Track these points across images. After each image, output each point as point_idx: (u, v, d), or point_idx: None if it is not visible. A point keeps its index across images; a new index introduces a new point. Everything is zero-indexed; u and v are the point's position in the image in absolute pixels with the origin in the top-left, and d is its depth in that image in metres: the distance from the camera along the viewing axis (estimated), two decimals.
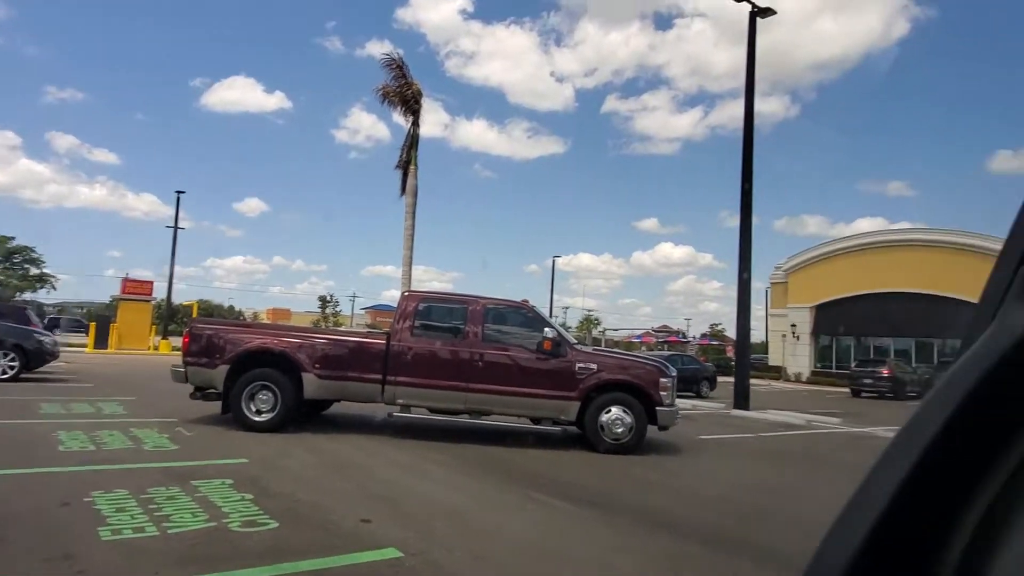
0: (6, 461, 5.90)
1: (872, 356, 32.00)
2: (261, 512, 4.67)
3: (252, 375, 8.33)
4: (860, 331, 36.89)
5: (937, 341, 33.61)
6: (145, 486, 5.17)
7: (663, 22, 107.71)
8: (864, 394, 26.55)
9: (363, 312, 78.28)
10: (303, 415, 8.87)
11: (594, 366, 8.60)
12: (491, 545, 4.43)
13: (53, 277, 48.29)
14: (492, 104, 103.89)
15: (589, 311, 73.69)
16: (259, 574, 3.51)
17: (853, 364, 30.05)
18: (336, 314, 73.56)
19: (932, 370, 27.96)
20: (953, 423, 0.36)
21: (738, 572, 4.38)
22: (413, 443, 8.28)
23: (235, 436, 7.89)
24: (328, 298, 75.51)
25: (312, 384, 8.42)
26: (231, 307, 75.57)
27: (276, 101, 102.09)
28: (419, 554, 4.04)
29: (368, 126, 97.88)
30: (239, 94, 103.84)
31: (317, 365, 8.44)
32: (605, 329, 64.21)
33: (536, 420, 8.87)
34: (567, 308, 69.54)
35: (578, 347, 9.25)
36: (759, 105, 18.06)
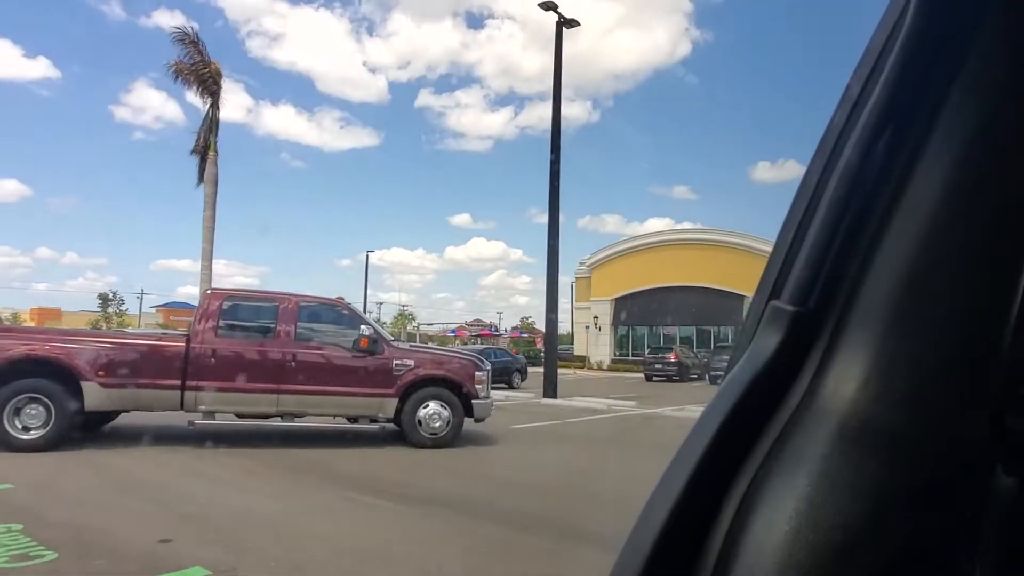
0: None
1: (661, 344, 35.48)
2: (34, 543, 4.12)
3: (17, 386, 7.23)
4: (652, 321, 40.71)
5: (713, 328, 38.12)
6: None
7: (475, 21, 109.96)
8: (655, 378, 29.32)
9: (154, 311, 71.03)
10: (83, 429, 7.88)
11: (411, 362, 8.63)
12: (309, 553, 4.31)
13: None
14: (301, 91, 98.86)
15: (404, 306, 73.38)
16: None
17: (646, 352, 33.09)
18: (121, 313, 65.94)
19: (709, 354, 31.59)
20: (721, 431, 0.47)
21: (560, 553, 4.68)
22: (219, 452, 7.73)
23: None
24: (111, 296, 67.53)
25: (95, 394, 7.51)
26: None
27: (40, 68, 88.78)
28: (230, 571, 3.82)
29: (156, 105, 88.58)
30: None
31: (101, 372, 7.55)
32: (420, 324, 64.41)
33: (353, 419, 8.71)
34: (381, 303, 68.54)
35: (395, 344, 9.23)
36: (564, 109, 19.17)
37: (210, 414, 7.98)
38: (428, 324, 65.26)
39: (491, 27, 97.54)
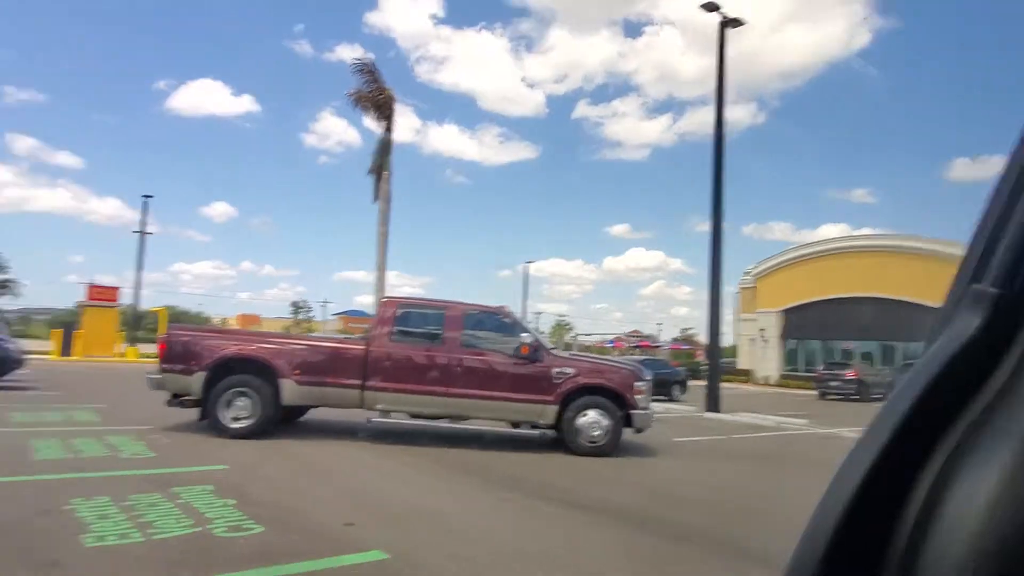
0: None
1: (838, 359, 32.76)
2: (245, 517, 4.70)
3: (230, 381, 8.30)
4: (826, 335, 37.74)
5: (901, 344, 34.53)
6: (126, 493, 5.16)
7: (633, 29, 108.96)
8: (830, 396, 27.17)
9: (335, 318, 77.74)
10: (280, 421, 8.85)
11: (571, 370, 8.74)
12: (474, 547, 4.52)
13: (16, 283, 47.08)
14: (463, 109, 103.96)
15: (561, 316, 74.16)
16: None
17: (820, 367, 30.73)
18: (308, 320, 72.92)
19: (895, 372, 28.76)
20: (918, 406, 0.48)
21: (717, 569, 4.53)
22: (392, 448, 8.33)
23: (213, 443, 7.86)
24: (301, 304, 74.93)
25: (290, 390, 8.41)
26: (199, 313, 74.40)
27: (244, 104, 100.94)
28: (403, 556, 4.11)
29: (339, 131, 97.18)
30: (206, 97, 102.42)
31: (296, 371, 8.44)
32: (577, 334, 64.59)
33: (515, 424, 8.98)
34: (540, 313, 69.86)
35: (554, 352, 9.39)
36: (727, 112, 18.44)
37: (385, 413, 8.61)
38: (586, 334, 65.29)
39: (649, 34, 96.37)
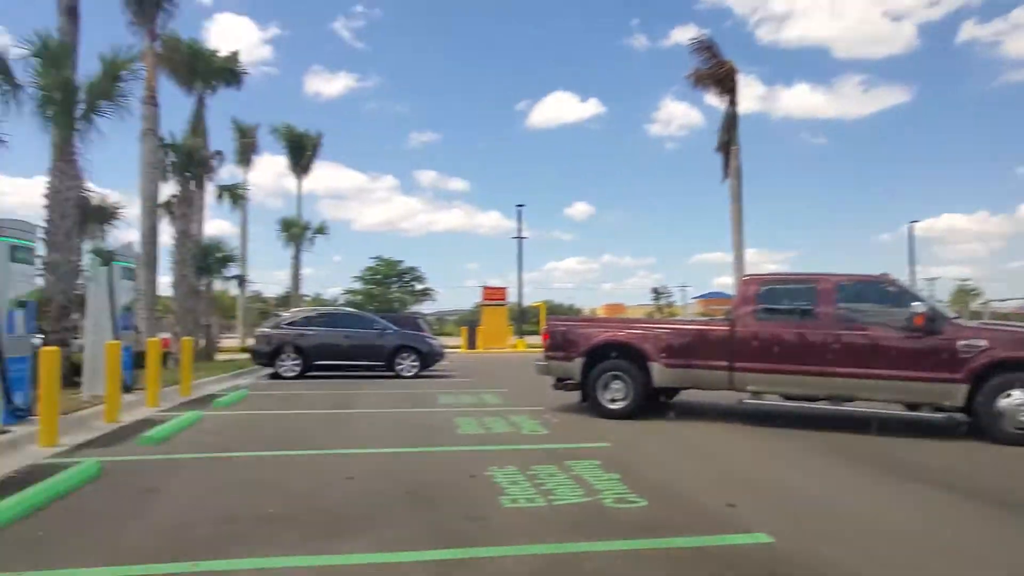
0: (422, 441, 7.33)
1: None
2: (629, 491, 5.02)
3: (604, 366, 8.95)
4: None
5: None
6: (529, 464, 5.95)
7: None
8: None
9: (694, 301, 77.67)
10: (653, 402, 9.21)
11: (983, 342, 7.28)
12: (872, 538, 4.08)
13: (433, 291, 57.95)
14: (814, 64, 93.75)
15: (963, 280, 61.79)
16: (638, 546, 3.79)
17: None
18: (669, 305, 74.32)
19: None
20: None
21: None
22: (767, 431, 8.01)
23: (594, 422, 8.57)
24: (661, 289, 76.85)
25: (659, 372, 8.71)
26: (571, 305, 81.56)
27: (591, 108, 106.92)
28: (792, 541, 3.92)
29: (680, 115, 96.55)
30: (558, 109, 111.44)
31: (663, 354, 8.69)
32: (987, 300, 53.15)
33: (912, 406, 7.84)
34: (933, 279, 59.16)
35: (958, 322, 7.93)
36: None
37: (757, 394, 8.31)
38: (1000, 300, 53.34)
39: None
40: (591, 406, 9.01)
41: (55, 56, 11.96)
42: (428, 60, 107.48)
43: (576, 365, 9.12)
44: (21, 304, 8.01)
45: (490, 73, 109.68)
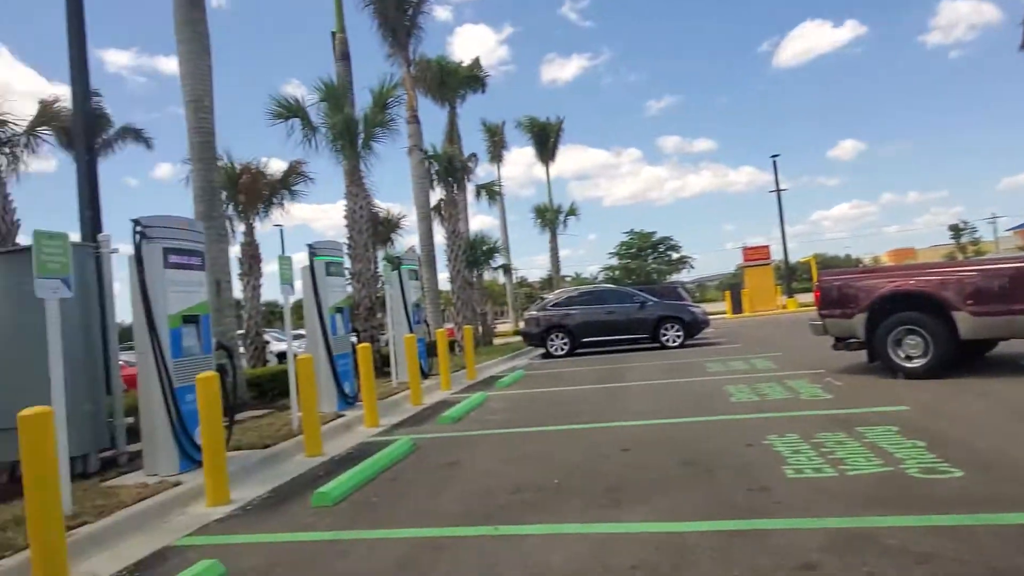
0: (694, 410, 7.23)
1: None
2: (939, 460, 4.42)
3: (894, 320, 7.93)
4: None
5: None
6: (812, 432, 5.55)
7: None
8: None
9: (1010, 233, 64.60)
10: (961, 358, 7.93)
11: None
12: None
13: (690, 258, 56.48)
14: None
15: None
16: (954, 522, 3.33)
17: None
18: (975, 242, 62.90)
19: None
20: None
21: None
22: None
23: (887, 383, 7.67)
24: (961, 225, 65.35)
25: (966, 323, 7.46)
26: (847, 256, 73.36)
27: (848, 32, 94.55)
28: None
29: (965, 15, 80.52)
30: (808, 41, 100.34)
31: (969, 302, 7.44)
32: None
33: None
34: None
35: None
36: None
37: None
38: None
39: None
40: (884, 365, 8.06)
41: (337, 98, 14.03)
42: (657, 24, 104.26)
43: (858, 322, 8.21)
44: (339, 310, 9.63)
45: (724, 21, 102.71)
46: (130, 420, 6.44)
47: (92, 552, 4.04)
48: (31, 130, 14.04)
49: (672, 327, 15.88)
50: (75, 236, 8.30)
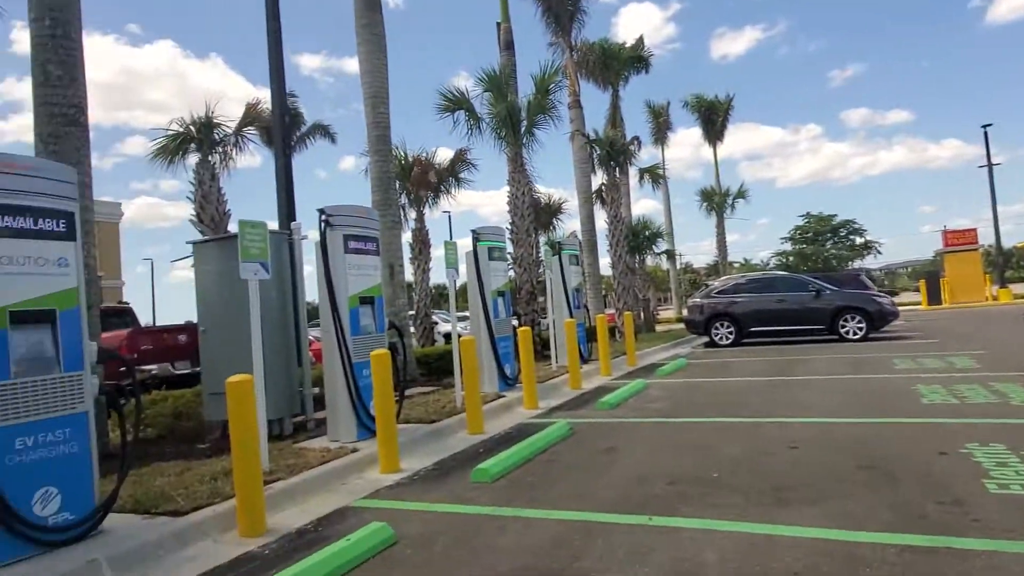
0: (877, 411, 6.60)
1: None
2: None
3: None
4: None
5: None
6: (1023, 443, 4.86)
7: None
8: None
9: None
10: None
11: None
12: None
13: (876, 243, 51.34)
14: None
15: None
16: None
17: None
18: None
19: None
20: None
21: None
22: None
23: None
24: None
25: None
26: None
27: None
28: None
29: None
30: None
31: None
32: None
33: None
34: None
35: None
36: None
37: None
38: None
39: None
40: None
41: (500, 87, 14.39)
42: None
43: None
44: (500, 293, 9.93)
45: None
46: (316, 390, 7.13)
47: (285, 505, 4.54)
48: (238, 131, 15.91)
49: (853, 318, 14.57)
50: (274, 224, 9.34)
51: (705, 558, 3.17)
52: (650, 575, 3.05)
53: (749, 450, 5.33)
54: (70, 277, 3.83)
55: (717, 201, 32.93)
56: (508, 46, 16.40)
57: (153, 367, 9.95)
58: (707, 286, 18.26)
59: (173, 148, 14.88)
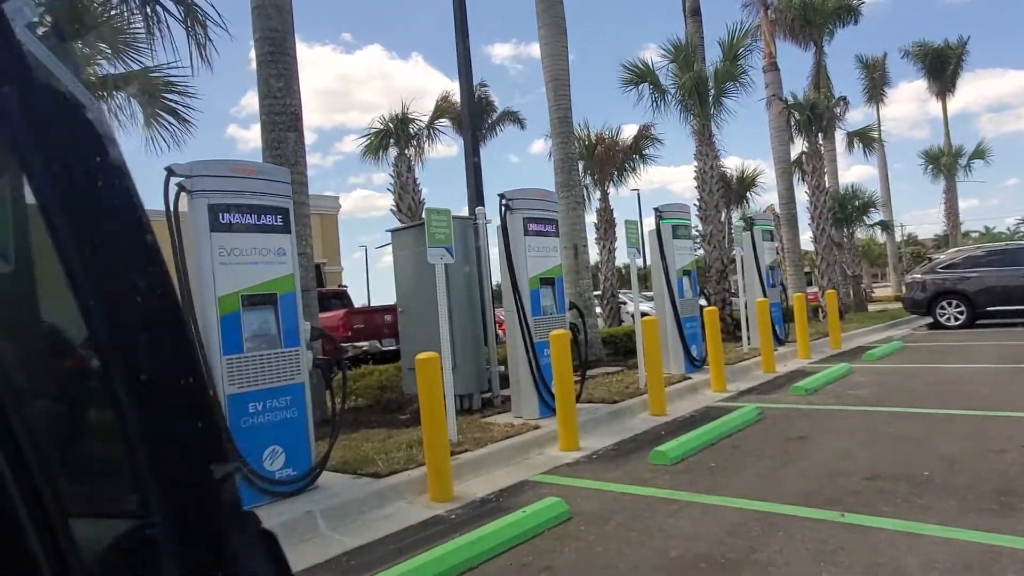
0: None
1: None
2: None
3: None
4: None
5: None
6: None
7: None
8: None
9: None
10: None
11: None
12: None
13: None
14: None
15: None
16: None
17: None
18: None
19: None
20: None
21: None
22: None
23: None
24: None
25: None
26: None
27: None
28: None
29: None
30: None
31: None
32: None
33: None
34: None
35: None
36: None
37: None
38: None
39: None
40: None
41: (686, 56, 13.79)
42: None
43: None
44: (686, 272, 9.62)
45: None
46: (502, 368, 7.47)
47: (470, 475, 4.85)
48: (430, 123, 16.98)
49: None
50: (465, 211, 9.87)
51: (905, 564, 2.87)
52: None
53: (970, 448, 4.67)
54: (287, 265, 4.40)
55: (946, 163, 28.81)
56: (694, 12, 15.63)
57: (364, 344, 11.06)
58: (930, 260, 16.13)
59: (376, 144, 16.27)
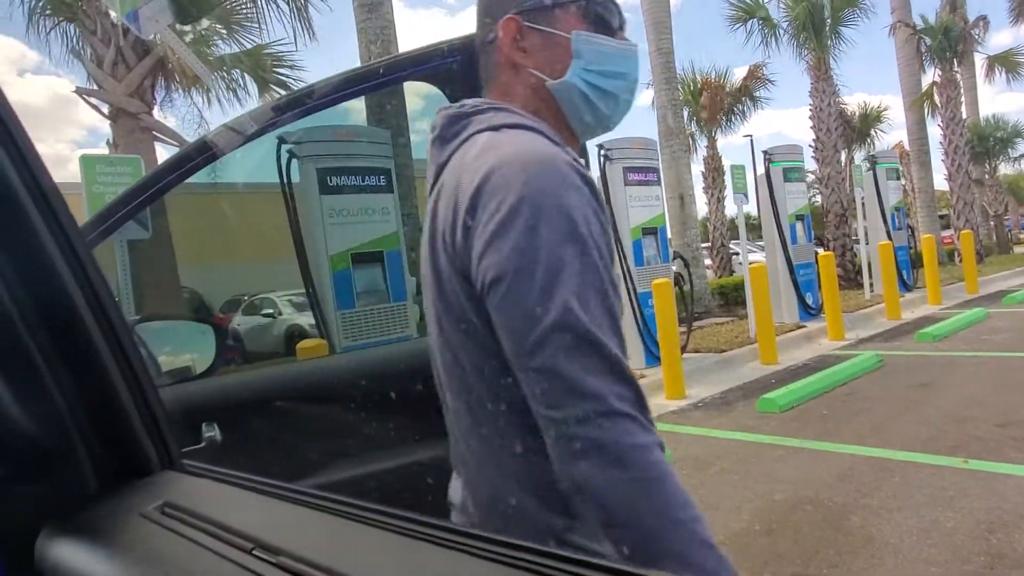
0: None
1: None
2: None
3: None
4: None
5: None
6: None
7: None
8: None
9: None
10: None
11: None
12: None
13: None
14: None
15: None
16: None
17: None
18: None
19: None
20: None
21: None
22: None
23: None
24: None
25: None
26: None
27: None
28: None
29: None
30: None
31: None
32: None
33: None
34: None
35: None
36: None
37: None
38: None
39: None
40: None
41: None
42: None
43: None
44: (799, 217, 9.14)
45: None
46: None
47: None
48: None
49: None
50: None
51: None
52: (955, 521, 2.70)
53: None
54: (390, 223, 4.61)
55: None
56: None
57: None
58: None
59: None
